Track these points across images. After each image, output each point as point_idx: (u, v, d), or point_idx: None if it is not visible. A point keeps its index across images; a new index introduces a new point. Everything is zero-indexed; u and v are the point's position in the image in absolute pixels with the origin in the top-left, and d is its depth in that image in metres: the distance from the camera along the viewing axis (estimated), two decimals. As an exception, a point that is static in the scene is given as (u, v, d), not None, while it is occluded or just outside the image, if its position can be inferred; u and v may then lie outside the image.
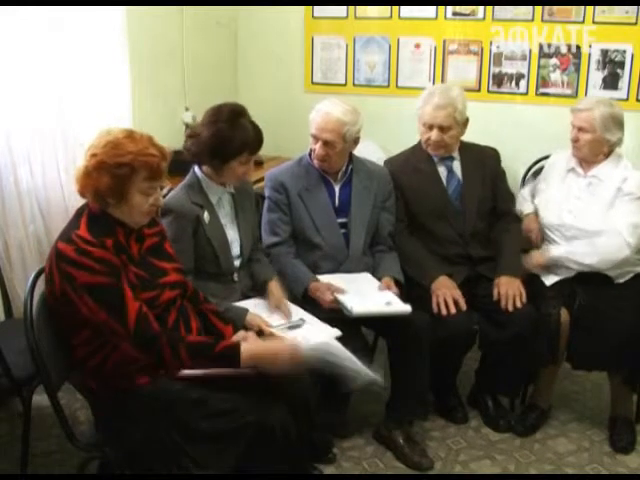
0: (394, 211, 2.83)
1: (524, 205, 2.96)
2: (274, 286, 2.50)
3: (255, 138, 2.34)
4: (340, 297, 2.49)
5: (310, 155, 2.71)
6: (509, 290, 2.65)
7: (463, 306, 2.60)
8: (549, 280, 2.78)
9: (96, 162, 1.83)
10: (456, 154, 2.86)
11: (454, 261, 2.80)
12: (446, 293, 2.61)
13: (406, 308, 2.48)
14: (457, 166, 2.86)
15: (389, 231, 2.81)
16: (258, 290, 2.53)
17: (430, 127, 2.74)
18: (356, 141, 2.68)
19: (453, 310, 2.58)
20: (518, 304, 2.61)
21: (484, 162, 2.88)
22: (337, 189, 2.72)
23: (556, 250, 2.75)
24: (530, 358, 2.68)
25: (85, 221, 1.87)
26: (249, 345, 1.91)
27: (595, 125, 2.69)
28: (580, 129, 2.73)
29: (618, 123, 2.72)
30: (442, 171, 2.85)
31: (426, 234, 2.84)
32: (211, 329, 2.15)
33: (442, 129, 2.72)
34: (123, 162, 1.83)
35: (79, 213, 1.91)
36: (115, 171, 1.83)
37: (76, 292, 1.80)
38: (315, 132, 2.62)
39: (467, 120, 2.79)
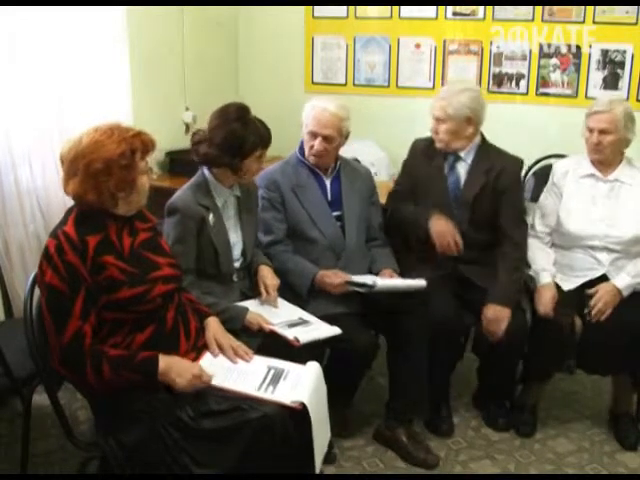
0: (380, 204, 2.90)
1: (538, 258, 2.78)
2: (266, 270, 2.52)
3: (266, 133, 2.41)
4: (355, 277, 2.52)
5: (302, 153, 2.74)
6: (492, 317, 2.61)
7: (460, 247, 2.65)
8: (567, 285, 2.73)
9: (102, 164, 1.82)
10: (465, 154, 2.78)
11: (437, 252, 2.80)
12: (447, 235, 2.65)
13: (422, 282, 2.54)
14: (462, 167, 2.79)
15: (379, 223, 2.86)
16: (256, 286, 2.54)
17: (432, 118, 2.75)
18: (347, 136, 2.73)
19: (454, 250, 2.63)
20: (495, 329, 2.60)
21: (494, 171, 2.75)
22: (328, 183, 2.76)
23: (622, 281, 2.64)
24: (539, 365, 2.68)
25: (73, 217, 1.87)
26: (167, 357, 1.89)
27: (618, 125, 2.64)
28: (602, 131, 2.66)
29: (633, 120, 2.69)
30: (446, 166, 2.80)
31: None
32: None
33: (437, 120, 2.72)
34: (122, 150, 1.84)
35: (69, 211, 1.92)
36: (121, 162, 1.84)
37: (40, 287, 1.84)
38: (315, 129, 2.65)
39: (470, 119, 2.71)
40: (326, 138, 2.64)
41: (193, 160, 2.44)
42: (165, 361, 1.87)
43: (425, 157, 2.84)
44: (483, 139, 2.81)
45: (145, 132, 1.93)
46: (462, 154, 2.78)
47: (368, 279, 2.49)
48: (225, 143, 2.33)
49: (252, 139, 2.34)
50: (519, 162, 2.85)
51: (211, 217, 2.37)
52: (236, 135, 2.32)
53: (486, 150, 2.80)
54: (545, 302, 2.64)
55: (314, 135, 2.65)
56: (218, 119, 2.37)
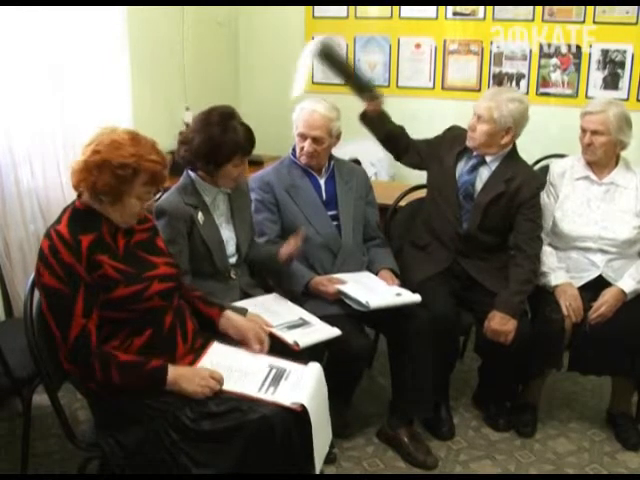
0: (376, 204, 2.91)
1: (549, 260, 2.75)
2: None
3: (246, 140, 2.35)
4: (351, 292, 2.52)
5: (294, 154, 2.76)
6: (499, 328, 2.59)
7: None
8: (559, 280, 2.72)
9: (99, 159, 1.82)
10: (491, 161, 2.75)
11: (443, 239, 2.80)
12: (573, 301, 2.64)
13: (416, 298, 2.55)
14: (485, 171, 2.76)
15: (376, 221, 2.88)
16: (258, 285, 2.56)
17: (474, 114, 2.72)
18: (338, 137, 2.75)
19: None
20: (501, 340, 2.59)
21: (514, 182, 2.73)
22: (322, 183, 2.78)
23: (628, 286, 2.64)
24: (531, 362, 2.68)
25: (67, 216, 1.87)
26: (175, 368, 1.89)
27: (610, 127, 2.64)
28: (594, 132, 2.67)
29: (629, 123, 2.68)
30: (467, 162, 2.79)
31: (430, 202, 2.89)
32: (198, 315, 2.15)
33: (478, 118, 2.68)
34: (127, 163, 1.82)
35: (65, 209, 1.92)
36: (117, 171, 1.82)
37: (39, 289, 1.83)
38: (304, 130, 2.67)
39: (509, 130, 2.68)
40: (316, 139, 2.66)
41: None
42: (174, 372, 1.86)
43: (453, 145, 2.83)
44: (513, 149, 2.78)
45: (164, 166, 1.91)
46: (488, 159, 2.76)
47: (362, 297, 2.48)
48: (201, 148, 2.31)
49: (229, 147, 2.30)
50: (541, 180, 2.83)
51: (200, 215, 2.37)
52: (213, 141, 2.29)
53: (512, 160, 2.77)
54: (573, 300, 2.62)
55: (304, 137, 2.68)
56: (199, 122, 2.35)
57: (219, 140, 2.29)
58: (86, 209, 1.89)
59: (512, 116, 2.65)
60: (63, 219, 1.86)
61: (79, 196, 1.91)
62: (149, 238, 2.05)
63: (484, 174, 2.77)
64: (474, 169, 2.78)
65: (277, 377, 1.98)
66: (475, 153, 2.77)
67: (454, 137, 2.86)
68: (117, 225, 1.93)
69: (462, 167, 2.81)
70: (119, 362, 1.84)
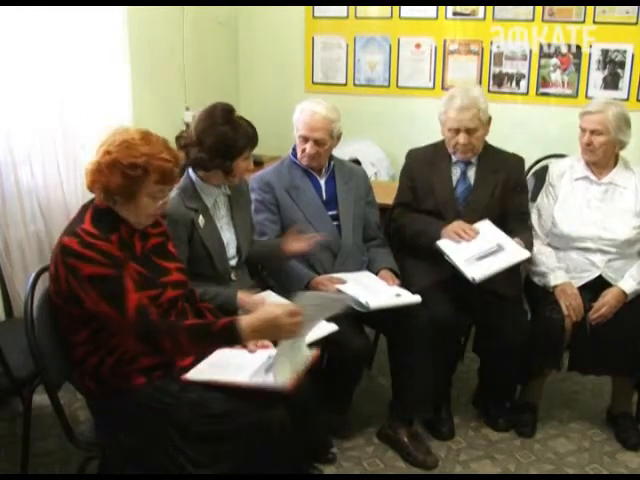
0: (376, 204, 2.91)
1: (544, 258, 2.76)
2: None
3: (253, 132, 2.40)
4: (351, 292, 2.52)
5: (294, 154, 2.76)
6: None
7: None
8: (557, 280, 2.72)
9: (110, 160, 1.83)
10: (475, 159, 2.79)
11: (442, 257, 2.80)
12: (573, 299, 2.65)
13: (416, 298, 2.55)
14: (472, 172, 2.80)
15: (376, 221, 2.89)
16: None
17: (457, 131, 2.69)
18: (339, 137, 2.75)
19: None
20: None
21: (501, 169, 2.78)
22: (322, 183, 2.78)
23: (629, 286, 2.65)
24: (530, 362, 2.68)
25: (90, 216, 1.87)
26: (247, 318, 1.83)
27: (609, 127, 2.65)
28: (593, 132, 2.68)
29: (628, 123, 2.69)
30: (455, 172, 2.81)
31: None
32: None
33: (469, 131, 2.68)
34: (137, 163, 1.83)
35: (84, 209, 1.91)
36: (128, 171, 1.82)
37: (80, 284, 1.80)
38: (305, 132, 2.67)
39: (490, 119, 2.74)
40: (317, 141, 2.67)
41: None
42: (248, 323, 1.79)
43: (426, 164, 2.83)
44: None
45: (176, 164, 1.91)
46: (473, 159, 2.79)
47: (362, 297, 2.48)
48: (216, 147, 2.31)
49: (242, 142, 2.33)
50: (522, 159, 2.88)
51: (201, 219, 2.38)
52: (227, 138, 2.31)
53: (489, 150, 2.82)
54: (573, 300, 2.62)
55: (305, 139, 2.68)
56: (205, 121, 2.35)
57: (232, 136, 2.31)
58: (105, 210, 1.89)
59: (487, 107, 2.70)
60: (86, 219, 1.86)
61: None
62: (162, 243, 2.05)
63: (471, 173, 2.80)
64: (464, 175, 2.80)
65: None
66: (458, 159, 2.79)
67: (425, 156, 2.86)
68: (133, 227, 1.93)
69: (455, 178, 2.82)
70: (186, 327, 1.83)
